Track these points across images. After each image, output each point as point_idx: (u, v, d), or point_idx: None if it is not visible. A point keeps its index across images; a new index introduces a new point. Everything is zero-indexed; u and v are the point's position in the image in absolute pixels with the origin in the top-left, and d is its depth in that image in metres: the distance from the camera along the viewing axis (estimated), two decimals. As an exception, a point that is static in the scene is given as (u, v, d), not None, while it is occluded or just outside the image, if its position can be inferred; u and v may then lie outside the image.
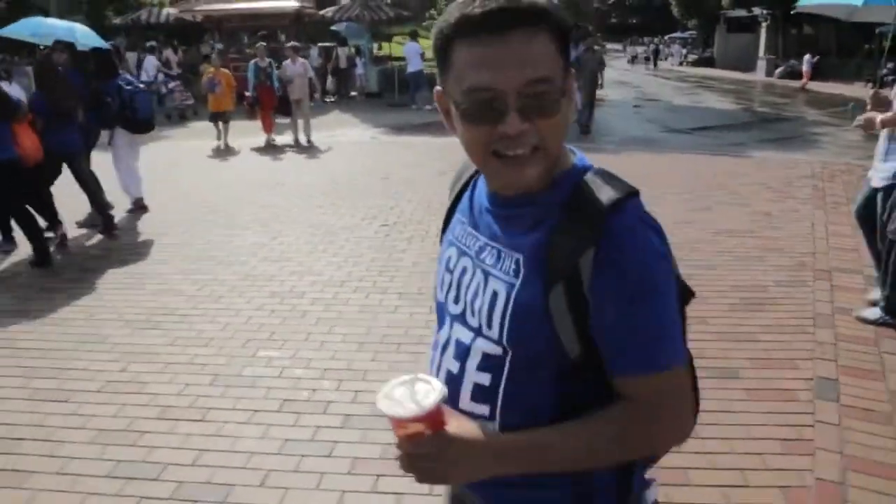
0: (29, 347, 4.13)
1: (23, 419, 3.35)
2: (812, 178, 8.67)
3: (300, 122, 12.10)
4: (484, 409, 1.11)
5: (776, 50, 35.53)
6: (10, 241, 6.06)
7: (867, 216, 4.33)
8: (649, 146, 11.46)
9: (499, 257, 1.11)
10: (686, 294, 1.14)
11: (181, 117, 16.48)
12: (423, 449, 1.00)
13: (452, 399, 1.12)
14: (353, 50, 18.40)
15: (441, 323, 1.24)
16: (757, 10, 35.61)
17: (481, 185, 1.19)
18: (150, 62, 16.49)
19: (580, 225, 1.02)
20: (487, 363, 1.11)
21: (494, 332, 1.09)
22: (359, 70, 18.08)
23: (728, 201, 7.42)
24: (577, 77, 11.09)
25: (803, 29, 36.19)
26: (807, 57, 24.70)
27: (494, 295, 1.09)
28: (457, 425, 1.03)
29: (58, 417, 3.36)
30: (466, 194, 1.25)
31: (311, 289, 4.95)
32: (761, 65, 34.13)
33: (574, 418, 1.06)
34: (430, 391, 1.00)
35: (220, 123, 11.76)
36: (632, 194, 1.04)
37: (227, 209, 7.39)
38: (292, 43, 13.03)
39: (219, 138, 11.82)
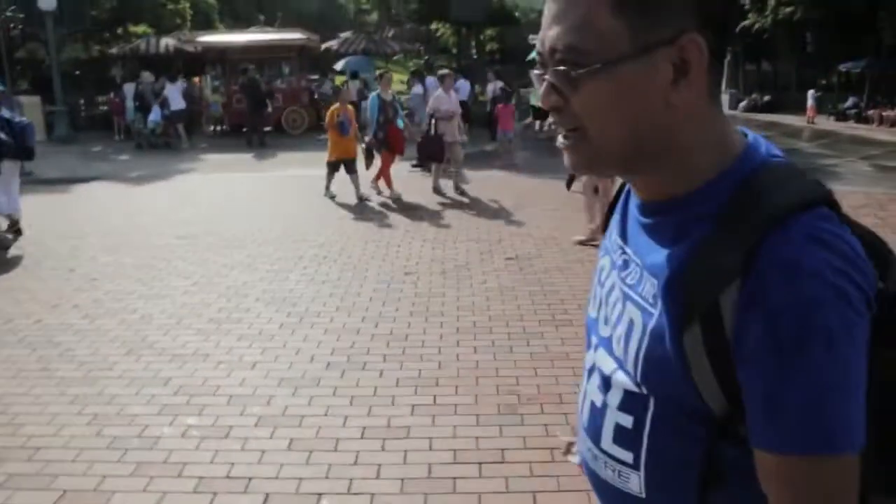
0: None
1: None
2: (866, 207, 8.99)
3: (444, 167, 9.77)
4: (627, 456, 0.93)
5: (737, 84, 37.07)
6: None
7: None
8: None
9: (640, 278, 0.91)
10: None
11: (165, 145, 16.59)
12: None
13: (595, 436, 0.98)
14: (361, 83, 18.31)
15: (588, 343, 1.05)
16: (718, 47, 37.16)
17: None
18: (176, 90, 16.38)
19: (730, 244, 0.78)
20: (629, 403, 0.92)
21: (630, 368, 0.90)
22: (365, 104, 17.98)
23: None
24: None
25: (762, 65, 37.96)
26: (811, 92, 25.54)
27: (631, 324, 0.91)
28: None
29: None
30: (623, 194, 1.04)
31: (498, 324, 4.82)
32: (724, 98, 35.18)
33: (726, 484, 0.86)
34: None
35: (345, 173, 9.43)
36: (813, 202, 0.78)
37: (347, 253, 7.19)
38: (445, 70, 10.74)
39: (328, 191, 9.64)
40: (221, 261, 6.62)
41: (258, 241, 7.36)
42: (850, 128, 23.12)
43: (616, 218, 1.02)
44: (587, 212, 6.92)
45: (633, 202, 0.96)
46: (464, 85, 16.94)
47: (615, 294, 0.97)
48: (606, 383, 0.95)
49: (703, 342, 0.79)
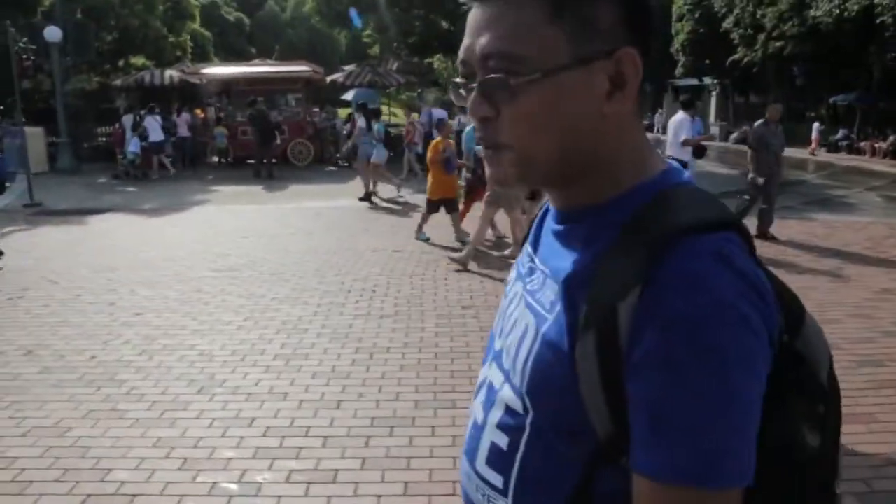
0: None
1: None
2: (891, 238, 9.07)
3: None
4: (497, 480, 0.87)
5: (727, 116, 37.75)
6: None
7: None
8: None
9: (543, 283, 0.87)
10: (808, 392, 0.79)
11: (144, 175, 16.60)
12: None
13: (471, 456, 0.93)
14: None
15: (486, 358, 1.00)
16: (707, 80, 37.80)
17: None
18: (156, 122, 16.41)
19: (636, 252, 0.74)
20: (507, 420, 0.87)
21: (517, 379, 0.85)
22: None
23: (853, 262, 7.60)
24: (755, 160, 8.69)
25: (749, 97, 38.65)
26: (816, 125, 26.23)
27: (525, 330, 0.86)
28: None
29: None
30: (543, 210, 1.03)
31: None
32: (714, 131, 36.05)
33: None
34: None
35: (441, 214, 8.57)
36: (722, 224, 0.75)
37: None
38: None
39: (421, 233, 8.80)
40: (269, 294, 6.47)
41: (298, 275, 7.22)
42: (845, 159, 23.54)
43: (532, 231, 1.00)
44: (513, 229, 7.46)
45: (551, 212, 0.94)
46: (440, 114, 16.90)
47: (515, 303, 0.93)
48: (491, 399, 0.91)
49: (596, 351, 0.74)
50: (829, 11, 23.97)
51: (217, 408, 4.11)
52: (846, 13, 23.06)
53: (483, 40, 0.78)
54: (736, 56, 31.75)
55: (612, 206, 0.82)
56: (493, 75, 0.78)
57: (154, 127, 16.35)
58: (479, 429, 0.92)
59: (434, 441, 3.63)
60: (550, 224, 0.92)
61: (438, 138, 8.62)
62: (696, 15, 35.44)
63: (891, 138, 23.47)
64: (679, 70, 39.00)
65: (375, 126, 12.31)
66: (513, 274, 1.01)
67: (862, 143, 25.20)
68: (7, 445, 3.66)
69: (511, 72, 0.77)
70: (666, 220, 0.75)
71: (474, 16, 0.81)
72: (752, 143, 8.60)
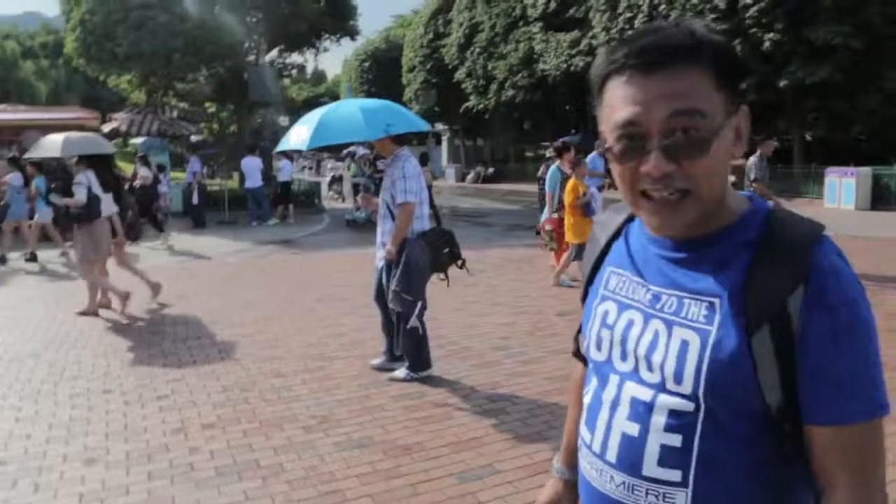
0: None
1: None
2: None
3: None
4: (675, 475, 1.02)
5: (459, 159, 41.02)
6: None
7: (380, 295, 5.03)
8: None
9: (681, 304, 1.04)
10: None
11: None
12: None
13: (633, 466, 1.06)
14: (156, 167, 16.60)
15: (602, 382, 1.15)
16: (439, 126, 40.80)
17: (638, 230, 1.16)
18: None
19: (783, 262, 0.97)
20: (677, 422, 1.02)
21: (687, 386, 1.01)
22: (163, 188, 16.32)
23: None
24: (761, 189, 8.80)
25: (477, 141, 42.47)
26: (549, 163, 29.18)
27: (685, 345, 1.02)
28: None
29: None
30: (618, 243, 1.21)
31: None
32: (450, 172, 38.87)
33: (770, 479, 1.01)
34: None
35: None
36: (823, 231, 1.01)
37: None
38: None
39: (567, 276, 8.34)
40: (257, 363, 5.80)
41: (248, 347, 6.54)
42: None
43: (614, 269, 1.18)
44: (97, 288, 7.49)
45: (647, 245, 1.12)
46: (287, 165, 16.54)
47: (640, 328, 1.09)
48: (647, 410, 1.05)
49: (772, 342, 0.95)
50: (557, 65, 27.70)
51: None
52: (573, 67, 26.80)
53: (668, 103, 0.95)
54: (469, 103, 34.81)
55: (736, 231, 1.02)
56: (688, 130, 0.95)
57: None
58: (638, 440, 1.05)
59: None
60: (658, 254, 1.09)
61: (573, 180, 7.89)
62: (428, 66, 38.22)
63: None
64: (412, 117, 41.45)
65: (34, 182, 11.47)
66: (608, 306, 1.15)
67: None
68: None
69: (702, 128, 0.95)
70: (793, 234, 0.99)
71: (638, 88, 0.97)
72: (757, 176, 8.99)
